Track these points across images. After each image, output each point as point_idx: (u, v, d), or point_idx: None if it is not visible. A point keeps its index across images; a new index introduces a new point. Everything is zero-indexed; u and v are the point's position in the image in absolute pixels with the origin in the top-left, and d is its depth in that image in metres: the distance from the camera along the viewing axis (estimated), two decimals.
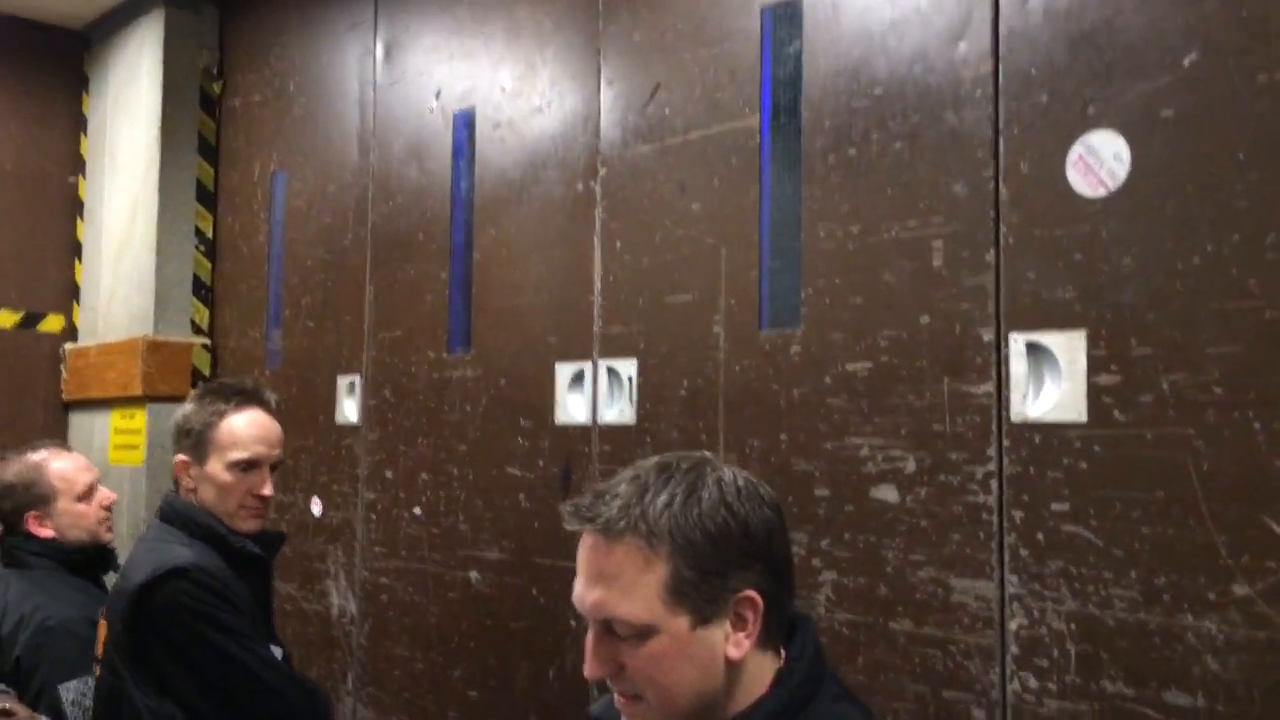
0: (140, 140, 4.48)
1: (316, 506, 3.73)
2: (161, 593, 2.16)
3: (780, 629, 1.37)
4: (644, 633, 1.29)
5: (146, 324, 4.29)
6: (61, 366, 4.74)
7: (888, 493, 2.08)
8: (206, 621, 2.18)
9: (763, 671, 1.34)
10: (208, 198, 4.46)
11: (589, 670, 1.33)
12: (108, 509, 3.08)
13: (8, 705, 2.29)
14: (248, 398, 2.41)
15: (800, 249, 2.27)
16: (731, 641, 1.31)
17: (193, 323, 4.35)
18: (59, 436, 4.46)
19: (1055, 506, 1.84)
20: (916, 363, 2.05)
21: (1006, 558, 1.90)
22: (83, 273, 4.83)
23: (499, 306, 3.07)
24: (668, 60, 2.59)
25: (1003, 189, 1.94)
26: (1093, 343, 1.81)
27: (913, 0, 2.09)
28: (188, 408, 2.40)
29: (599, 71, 2.77)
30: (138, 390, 4.21)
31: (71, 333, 4.80)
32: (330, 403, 3.69)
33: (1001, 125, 1.94)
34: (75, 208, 4.87)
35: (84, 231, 4.85)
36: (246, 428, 2.36)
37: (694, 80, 2.53)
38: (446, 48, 3.31)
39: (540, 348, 2.91)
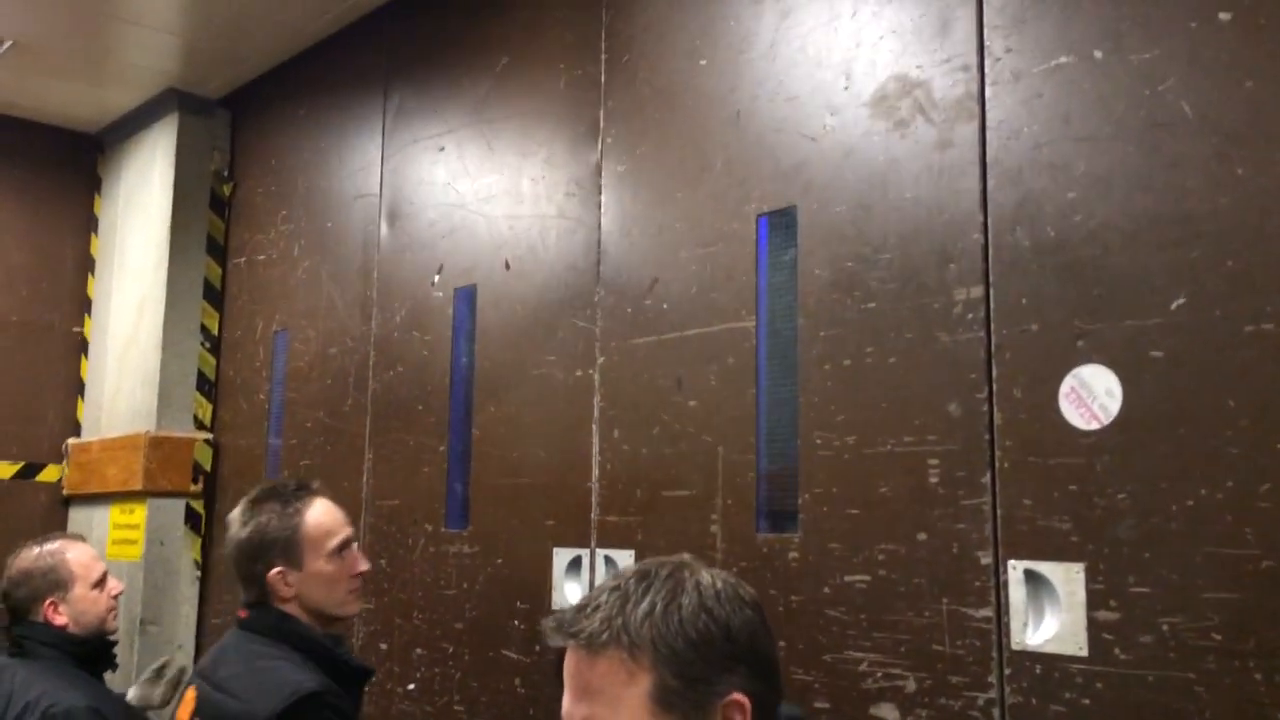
0: (151, 240, 4.60)
1: None
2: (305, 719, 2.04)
3: None
4: None
5: (150, 420, 4.35)
6: (64, 462, 4.79)
7: (889, 712, 2.06)
8: None
9: None
10: (214, 295, 4.56)
11: None
12: (116, 598, 3.12)
13: None
14: (309, 491, 2.39)
15: (797, 454, 2.29)
16: None
17: (195, 418, 4.41)
18: (59, 530, 4.39)
19: None
20: (914, 580, 2.04)
21: None
22: (88, 369, 4.91)
23: (498, 484, 3.07)
24: (666, 256, 2.64)
25: (996, 413, 1.96)
26: (1091, 576, 1.80)
27: (909, 218, 2.14)
28: (262, 519, 2.32)
29: (598, 260, 2.82)
30: (139, 485, 4.25)
31: (75, 428, 4.88)
32: None
33: (994, 350, 1.97)
34: (79, 356, 4.95)
35: (90, 329, 4.97)
36: (326, 514, 2.35)
37: (690, 278, 2.57)
38: (448, 223, 3.38)
39: (538, 530, 2.90)
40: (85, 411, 4.88)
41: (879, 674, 2.08)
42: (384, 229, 3.67)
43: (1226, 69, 1.74)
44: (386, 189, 3.68)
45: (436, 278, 3.42)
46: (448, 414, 3.33)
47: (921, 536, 2.04)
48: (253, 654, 2.19)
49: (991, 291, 1.99)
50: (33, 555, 3.11)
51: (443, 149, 3.44)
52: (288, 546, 2.27)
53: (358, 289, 3.77)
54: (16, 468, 4.75)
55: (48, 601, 3.04)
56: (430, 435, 3.36)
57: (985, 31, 2.06)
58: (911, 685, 2.03)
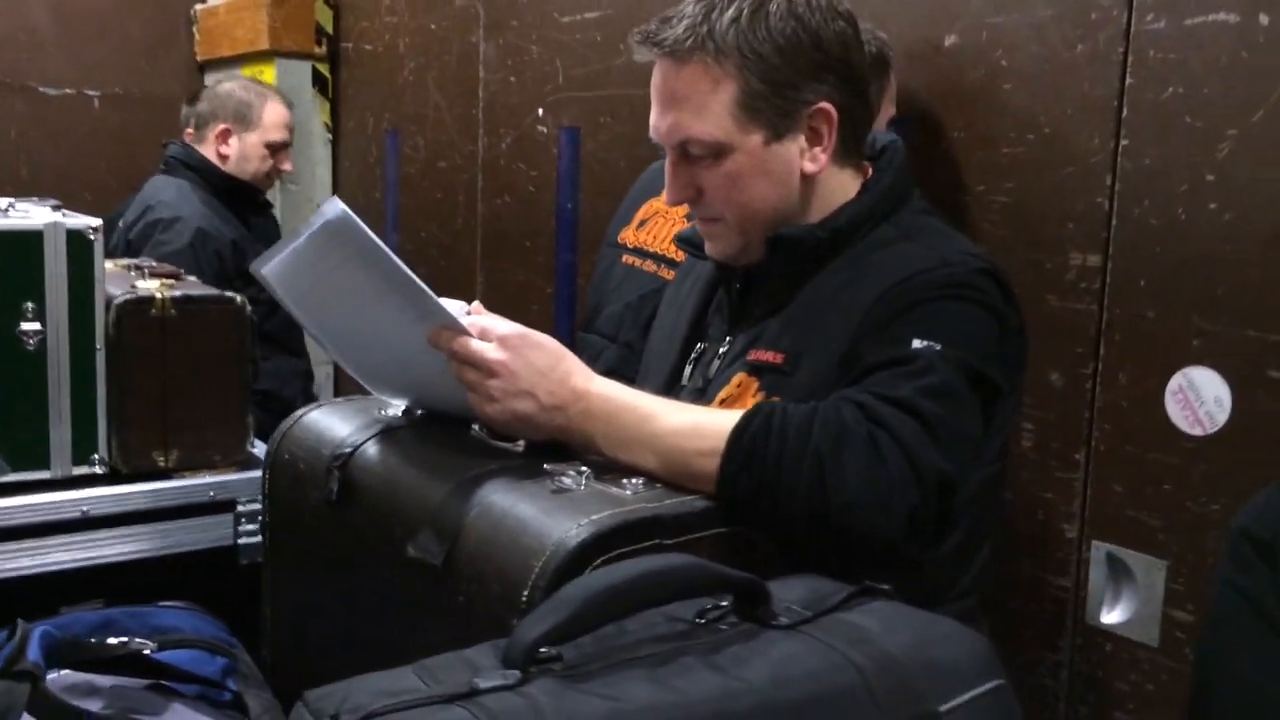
0: None
1: None
2: None
3: (861, 147, 1.39)
4: (718, 151, 1.30)
5: None
6: (194, 28, 4.86)
7: None
8: None
9: (843, 186, 1.36)
10: None
11: (669, 196, 1.37)
12: (279, 173, 3.26)
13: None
14: None
15: None
16: (807, 156, 1.32)
17: None
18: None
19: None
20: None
21: None
22: None
23: None
24: None
25: (1099, 391, 1.91)
26: (1173, 576, 1.80)
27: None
28: None
29: None
30: (265, 44, 4.34)
31: None
32: None
33: (1104, 327, 1.90)
34: None
35: None
36: None
37: None
38: (553, 49, 3.24)
39: None
40: None
41: None
42: (484, 46, 3.54)
43: None
44: (487, 2, 3.52)
45: (541, 111, 3.33)
46: (554, 257, 3.33)
47: (1009, 495, 2.05)
48: None
49: (1110, 264, 1.89)
50: (240, 82, 3.24)
51: None
52: None
53: (463, 104, 3.69)
54: None
55: (222, 126, 3.12)
56: (538, 274, 3.37)
57: None
58: (985, 629, 2.11)
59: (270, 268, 1.19)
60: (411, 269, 1.22)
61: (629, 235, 2.22)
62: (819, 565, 1.02)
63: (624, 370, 1.61)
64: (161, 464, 1.61)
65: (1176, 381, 1.80)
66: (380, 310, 1.19)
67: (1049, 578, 2.00)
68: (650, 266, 2.14)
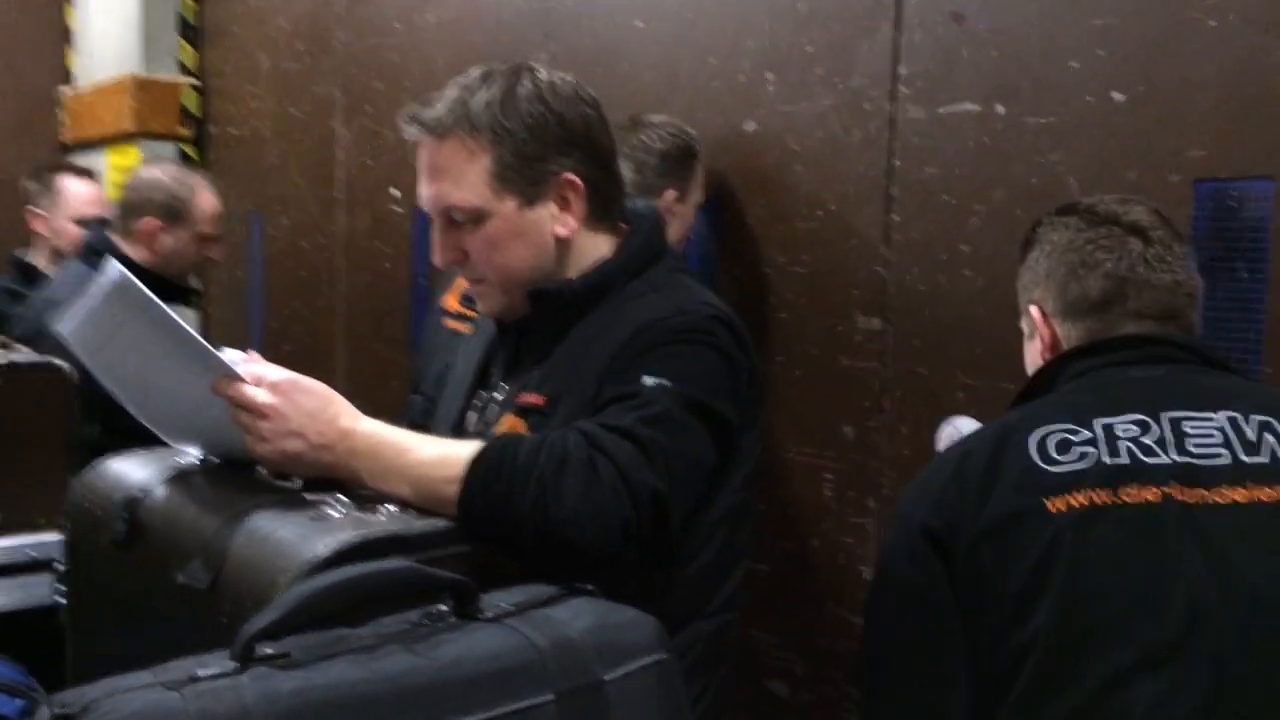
0: None
1: None
2: None
3: (613, 213, 1.54)
4: (478, 217, 1.45)
5: (135, 63, 4.46)
6: (59, 111, 4.89)
7: (780, 688, 2.27)
8: None
9: (598, 247, 1.51)
10: None
11: (437, 258, 1.52)
12: (206, 262, 3.09)
13: None
14: None
15: None
16: (559, 221, 1.47)
17: (180, 63, 4.51)
18: None
19: None
20: (805, 579, 2.22)
21: None
22: (75, 17, 4.95)
23: None
24: None
25: (885, 442, 2.09)
26: None
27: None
28: None
29: None
30: (130, 126, 4.39)
31: (66, 77, 4.93)
32: None
33: (887, 384, 2.08)
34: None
35: None
36: None
37: None
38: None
39: None
40: (76, 61, 4.97)
41: (774, 654, 2.29)
42: (341, 131, 3.68)
43: (1113, 153, 1.78)
44: (344, 89, 3.67)
45: (395, 191, 3.47)
46: (410, 331, 3.44)
47: (814, 543, 2.21)
48: None
49: (891, 325, 2.08)
50: (171, 170, 3.01)
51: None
52: None
53: (323, 187, 3.81)
54: None
55: (151, 222, 2.83)
56: (397, 350, 3.48)
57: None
58: (800, 669, 2.24)
59: (66, 326, 1.25)
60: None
61: (450, 301, 2.35)
62: (554, 578, 1.13)
63: (428, 423, 1.73)
64: None
65: (946, 430, 1.98)
66: (168, 363, 1.27)
67: (850, 618, 2.15)
68: (468, 329, 2.26)
